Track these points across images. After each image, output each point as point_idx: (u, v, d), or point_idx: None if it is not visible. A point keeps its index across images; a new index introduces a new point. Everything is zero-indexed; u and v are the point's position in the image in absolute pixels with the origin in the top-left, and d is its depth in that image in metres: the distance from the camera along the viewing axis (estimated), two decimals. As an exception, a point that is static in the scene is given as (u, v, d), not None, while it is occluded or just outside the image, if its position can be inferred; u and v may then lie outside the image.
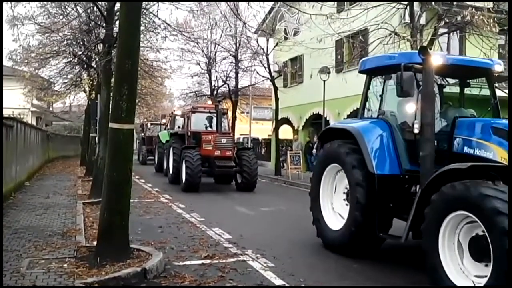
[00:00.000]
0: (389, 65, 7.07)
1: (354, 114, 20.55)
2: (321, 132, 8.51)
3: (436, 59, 6.31)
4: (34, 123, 34.40)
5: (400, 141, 6.90)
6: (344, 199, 7.53)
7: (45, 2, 15.83)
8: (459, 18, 13.35)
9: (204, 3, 16.90)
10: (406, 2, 13.77)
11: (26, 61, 20.48)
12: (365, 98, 7.93)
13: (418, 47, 6.41)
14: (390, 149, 6.88)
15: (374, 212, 6.64)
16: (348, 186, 7.26)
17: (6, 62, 23.29)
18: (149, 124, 33.04)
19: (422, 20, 14.51)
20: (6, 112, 17.65)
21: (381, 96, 7.52)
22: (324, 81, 18.47)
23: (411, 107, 6.85)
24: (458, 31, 15.12)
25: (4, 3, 14.17)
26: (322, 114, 19.64)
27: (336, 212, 7.65)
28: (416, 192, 6.22)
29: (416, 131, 6.34)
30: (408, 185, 6.94)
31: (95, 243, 6.58)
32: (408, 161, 6.78)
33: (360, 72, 8.03)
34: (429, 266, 5.37)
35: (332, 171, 7.70)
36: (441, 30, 14.21)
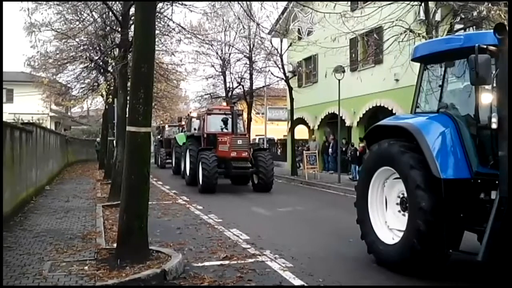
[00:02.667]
0: (451, 50, 6.14)
1: (370, 113, 20.50)
2: (367, 131, 7.39)
3: None
4: (53, 128, 34.99)
5: (468, 139, 5.91)
6: (399, 210, 6.49)
7: (61, 8, 16.08)
8: (475, 13, 13.20)
9: (217, 5, 16.94)
10: (421, -1, 13.66)
11: (44, 67, 20.84)
12: (418, 90, 6.95)
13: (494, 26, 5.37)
14: (456, 148, 5.89)
15: (442, 222, 5.62)
16: (403, 193, 6.29)
17: (25, 69, 23.78)
18: (166, 126, 32.45)
19: (438, 17, 14.38)
20: (25, 118, 17.98)
21: (441, 86, 6.52)
22: (339, 80, 18.39)
23: (486, 97, 5.66)
24: (474, 27, 14.91)
25: (22, 11, 14.44)
26: (337, 113, 19.55)
27: (389, 224, 6.65)
28: (490, 200, 5.45)
29: (494, 126, 5.30)
30: (480, 191, 5.75)
31: (115, 245, 6.67)
32: (479, 162, 5.81)
33: (413, 60, 7.23)
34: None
35: (382, 176, 6.68)
36: (457, 26, 14.05)
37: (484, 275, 6.07)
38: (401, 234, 6.21)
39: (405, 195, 6.18)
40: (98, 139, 32.96)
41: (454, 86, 6.46)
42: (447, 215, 5.62)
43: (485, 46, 5.37)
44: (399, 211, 6.47)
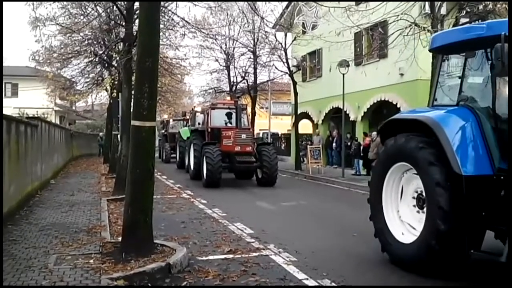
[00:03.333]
0: (472, 39, 5.78)
1: (374, 107, 20.45)
2: (382, 125, 7.06)
3: None
4: (57, 122, 35.08)
5: (490, 133, 5.61)
6: (414, 205, 6.23)
7: (65, 3, 16.09)
8: (481, 7, 13.11)
9: (221, -1, 16.93)
10: (426, -8, 13.58)
11: (48, 61, 20.90)
12: (436, 82, 6.65)
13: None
14: (478, 143, 5.59)
15: (462, 221, 5.36)
16: (420, 190, 6.04)
17: (30, 63, 23.85)
18: (171, 121, 32.03)
19: (443, 10, 14.30)
20: (30, 112, 18.06)
21: (461, 78, 6.20)
22: (343, 74, 18.34)
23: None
24: (479, 21, 14.81)
25: (27, 5, 14.46)
26: (342, 107, 19.52)
27: (404, 221, 6.35)
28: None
29: None
30: (503, 188, 5.40)
31: (120, 239, 6.71)
32: (501, 157, 5.49)
33: (430, 50, 6.89)
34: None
35: (397, 172, 6.40)
36: (463, 20, 13.96)
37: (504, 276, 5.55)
38: (413, 230, 6.04)
39: (422, 192, 5.92)
40: (101, 134, 32.98)
41: (475, 77, 6.12)
42: (468, 213, 5.36)
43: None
44: (414, 206, 6.22)
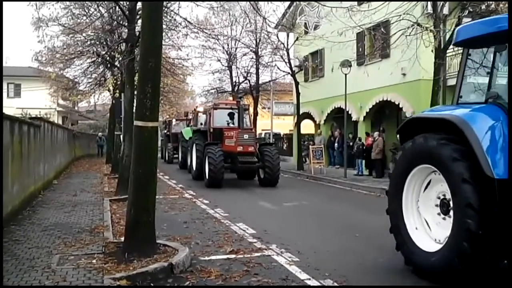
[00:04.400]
0: (501, 32, 5.31)
1: (377, 107, 20.43)
2: (401, 126, 6.56)
3: None
4: (60, 122, 35.18)
5: None
6: (438, 213, 5.77)
7: (68, 3, 16.13)
8: (483, 6, 13.08)
9: (223, -1, 16.95)
10: (428, -8, 13.56)
11: (51, 62, 20.98)
12: (461, 78, 6.12)
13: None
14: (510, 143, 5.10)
15: (494, 224, 4.91)
16: (443, 194, 5.62)
17: (32, 64, 23.93)
18: (174, 121, 31.63)
19: (445, 10, 14.29)
20: (33, 112, 18.11)
21: (489, 73, 5.74)
22: (346, 74, 18.34)
23: None
24: (482, 20, 14.81)
25: (29, 6, 14.50)
26: (344, 108, 19.51)
27: (427, 231, 5.91)
28: None
29: None
30: None
31: (122, 239, 6.73)
32: None
33: (455, 44, 6.43)
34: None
35: (418, 175, 5.94)
36: (465, 20, 13.92)
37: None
38: (439, 238, 5.60)
39: (446, 195, 5.54)
40: (100, 134, 32.92)
41: (505, 72, 5.62)
42: (501, 219, 4.91)
43: None
44: (438, 214, 5.75)
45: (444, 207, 5.66)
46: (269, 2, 14.13)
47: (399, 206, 6.08)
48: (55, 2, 14.81)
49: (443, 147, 5.33)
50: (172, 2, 14.61)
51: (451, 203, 5.42)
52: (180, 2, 14.21)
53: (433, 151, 5.47)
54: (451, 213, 5.38)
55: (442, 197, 5.68)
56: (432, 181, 5.84)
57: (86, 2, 15.48)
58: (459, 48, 16.07)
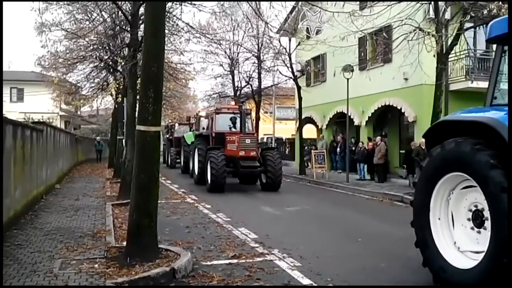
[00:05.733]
0: None
1: (379, 112, 20.43)
2: (428, 130, 6.03)
3: None
4: (63, 127, 35.27)
5: None
6: (472, 227, 5.21)
7: (71, 8, 16.21)
8: (485, 11, 13.08)
9: (226, 4, 17.00)
10: (430, -3, 13.57)
11: (54, 66, 21.06)
12: (495, 77, 5.61)
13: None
14: None
15: None
16: (475, 205, 5.13)
17: (35, 68, 24.01)
18: (176, 125, 31.47)
19: (447, 15, 14.31)
20: (36, 117, 18.16)
21: None
22: (348, 79, 18.35)
23: None
24: (484, 25, 14.80)
25: (32, 11, 14.59)
26: (346, 112, 19.51)
27: (459, 245, 5.34)
28: None
29: None
30: None
31: (124, 243, 6.73)
32: None
33: (488, 40, 5.79)
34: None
35: (447, 186, 5.39)
36: (467, 25, 13.96)
37: None
38: (473, 254, 5.08)
39: (478, 206, 5.08)
40: (98, 138, 32.90)
41: None
42: None
43: None
44: (472, 229, 5.21)
45: (477, 219, 5.13)
46: (271, 6, 14.15)
47: (426, 218, 5.54)
48: (58, 7, 14.92)
49: (478, 153, 4.81)
50: (175, 7, 14.67)
51: (485, 214, 4.97)
52: (183, 7, 14.27)
53: (466, 158, 4.95)
54: (487, 225, 4.93)
55: (474, 208, 5.19)
56: (463, 190, 5.33)
57: (89, 7, 15.55)
58: (461, 52, 16.05)
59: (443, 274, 5.25)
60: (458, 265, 5.12)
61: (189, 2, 13.71)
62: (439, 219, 5.47)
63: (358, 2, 16.81)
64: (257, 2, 13.96)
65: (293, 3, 22.91)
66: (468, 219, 5.25)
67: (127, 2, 14.21)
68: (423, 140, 6.32)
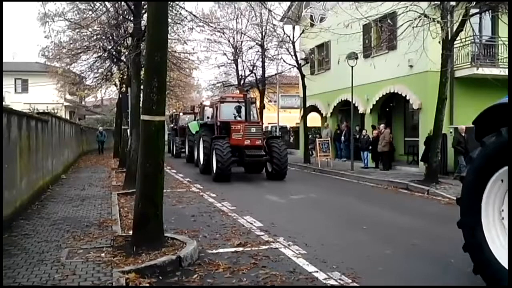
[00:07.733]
0: None
1: (384, 99, 20.33)
2: (478, 115, 5.11)
3: None
4: (67, 117, 35.34)
5: None
6: None
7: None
8: (491, -3, 12.94)
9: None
10: (435, -17, 13.42)
11: (58, 57, 21.06)
12: None
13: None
14: None
15: None
16: None
17: (39, 59, 24.03)
18: (181, 114, 31.15)
19: (452, 1, 14.13)
20: (40, 108, 18.19)
21: None
22: (352, 67, 18.25)
23: None
24: (490, 11, 14.65)
25: (35, 1, 14.54)
26: (350, 100, 19.43)
27: None
28: None
29: None
30: None
31: (130, 232, 6.78)
32: None
33: None
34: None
35: (504, 178, 4.63)
36: (472, 11, 13.80)
37: None
38: None
39: None
40: (100, 128, 32.87)
41: None
42: None
43: None
44: None
45: None
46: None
47: (477, 218, 4.83)
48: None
49: None
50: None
51: None
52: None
53: None
54: None
55: None
56: None
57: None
58: (466, 38, 15.83)
59: (500, 283, 4.54)
60: None
61: (192, -10, 13.64)
62: (493, 218, 4.79)
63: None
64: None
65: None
66: None
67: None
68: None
